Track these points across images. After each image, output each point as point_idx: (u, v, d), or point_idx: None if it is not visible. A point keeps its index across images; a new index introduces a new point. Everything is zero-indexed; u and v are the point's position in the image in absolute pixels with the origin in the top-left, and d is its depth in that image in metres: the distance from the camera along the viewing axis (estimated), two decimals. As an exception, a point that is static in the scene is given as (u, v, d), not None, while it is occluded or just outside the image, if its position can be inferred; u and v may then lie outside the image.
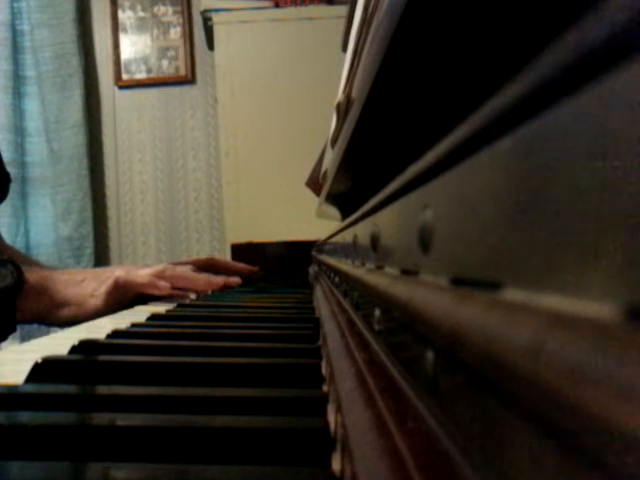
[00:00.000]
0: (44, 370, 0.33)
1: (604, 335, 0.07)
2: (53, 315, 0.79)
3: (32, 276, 0.77)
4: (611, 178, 0.08)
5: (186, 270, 0.90)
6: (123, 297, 0.82)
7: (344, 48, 0.82)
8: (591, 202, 0.08)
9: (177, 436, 0.23)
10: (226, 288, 0.95)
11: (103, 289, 0.81)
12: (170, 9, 2.26)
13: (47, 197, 2.22)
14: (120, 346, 0.43)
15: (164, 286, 0.83)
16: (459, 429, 0.14)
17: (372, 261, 0.30)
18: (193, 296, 0.87)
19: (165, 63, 2.27)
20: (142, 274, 0.84)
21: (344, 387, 0.23)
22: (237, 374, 0.34)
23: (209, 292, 0.91)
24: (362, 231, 0.35)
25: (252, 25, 1.86)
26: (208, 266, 1.02)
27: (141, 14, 2.27)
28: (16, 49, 2.20)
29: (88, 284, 0.82)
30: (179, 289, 0.87)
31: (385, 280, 0.24)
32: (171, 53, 2.27)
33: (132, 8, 2.27)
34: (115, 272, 0.83)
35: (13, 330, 0.76)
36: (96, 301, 0.80)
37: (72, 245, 2.17)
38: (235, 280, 0.99)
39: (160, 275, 0.85)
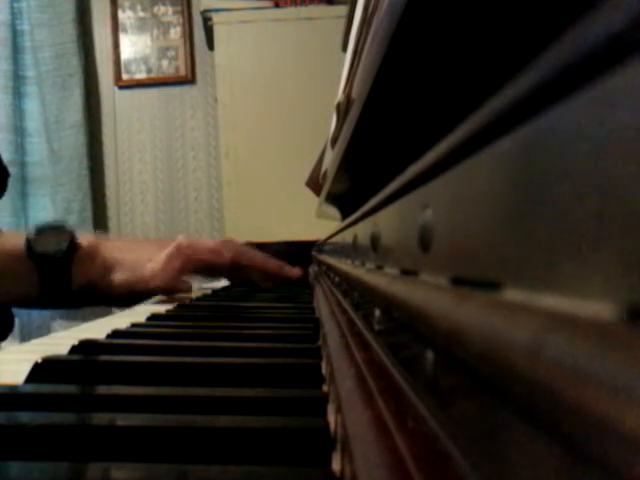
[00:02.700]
0: (44, 370, 0.33)
1: (604, 335, 0.07)
2: (106, 280, 0.76)
3: (86, 240, 0.75)
4: (611, 178, 0.08)
5: (244, 246, 0.88)
6: (184, 264, 0.79)
7: (344, 48, 0.82)
8: (591, 202, 0.08)
9: (177, 436, 0.23)
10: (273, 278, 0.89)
11: (164, 253, 0.78)
12: (170, 9, 2.27)
13: (47, 197, 2.22)
14: (120, 346, 0.43)
15: (228, 256, 0.82)
16: (459, 429, 0.14)
17: (372, 261, 0.30)
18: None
19: (165, 63, 2.27)
20: (205, 241, 0.82)
21: (344, 387, 0.23)
22: (237, 374, 0.34)
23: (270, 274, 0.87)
24: (362, 231, 0.35)
25: (252, 25, 1.86)
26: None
27: (141, 14, 2.27)
28: (16, 49, 2.20)
29: (145, 250, 0.79)
30: (239, 269, 0.85)
31: (385, 280, 0.24)
32: (171, 53, 2.27)
33: (132, 8, 2.27)
34: (177, 239, 0.81)
35: (68, 296, 0.74)
36: (154, 265, 0.77)
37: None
38: (295, 271, 0.92)
39: (222, 244, 0.83)
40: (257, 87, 1.86)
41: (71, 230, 0.73)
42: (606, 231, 0.08)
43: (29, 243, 0.71)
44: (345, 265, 0.45)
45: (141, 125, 2.29)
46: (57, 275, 0.72)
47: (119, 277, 0.76)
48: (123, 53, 2.28)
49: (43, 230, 0.72)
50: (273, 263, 0.89)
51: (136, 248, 0.80)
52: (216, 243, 0.83)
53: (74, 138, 2.19)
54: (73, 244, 0.72)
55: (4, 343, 0.93)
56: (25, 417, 0.25)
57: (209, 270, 0.83)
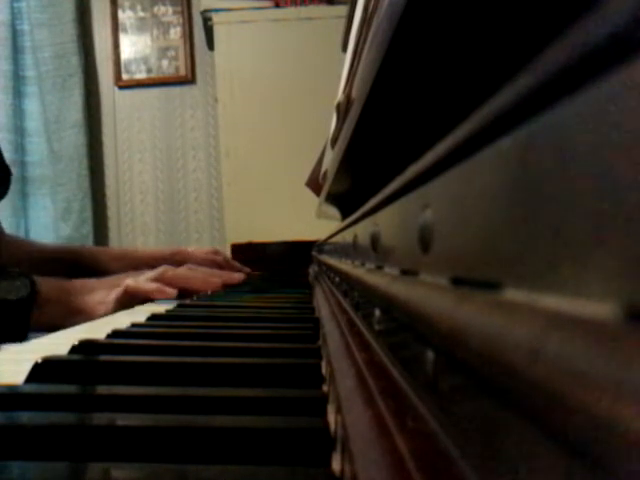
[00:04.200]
0: (44, 370, 0.33)
1: (604, 335, 0.07)
2: (67, 323, 0.80)
3: (45, 287, 0.79)
4: (611, 178, 0.08)
5: (184, 270, 0.93)
6: (131, 304, 0.84)
7: (344, 48, 0.82)
8: (591, 202, 0.08)
9: (177, 436, 0.23)
10: (226, 286, 0.98)
11: (112, 297, 0.84)
12: (170, 9, 2.26)
13: (47, 197, 2.22)
14: (120, 346, 0.43)
15: (171, 292, 0.87)
16: (459, 429, 0.14)
17: (372, 261, 0.30)
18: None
19: (165, 63, 2.27)
20: (149, 281, 0.87)
21: (344, 387, 0.23)
22: (237, 374, 0.34)
23: (208, 292, 0.93)
24: (362, 231, 0.35)
25: (252, 25, 1.86)
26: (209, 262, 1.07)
27: (141, 14, 2.27)
28: (16, 49, 2.20)
29: (98, 292, 0.85)
30: (183, 290, 0.90)
31: (385, 280, 0.24)
32: (171, 53, 2.27)
33: (132, 8, 2.27)
34: (124, 281, 0.86)
35: (25, 339, 0.78)
36: (105, 308, 0.83)
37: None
38: (234, 277, 1.02)
39: (161, 279, 0.88)
40: (257, 87, 1.86)
41: (31, 278, 0.77)
42: (606, 231, 0.08)
43: None
44: (345, 265, 0.45)
45: (141, 125, 2.29)
46: (14, 320, 0.76)
47: (78, 321, 0.82)
48: (123, 53, 2.28)
49: (3, 276, 0.76)
50: (215, 283, 0.96)
51: (90, 290, 0.86)
52: (160, 277, 0.88)
53: (74, 138, 2.19)
54: (33, 291, 0.76)
55: (4, 344, 0.94)
56: (25, 417, 0.25)
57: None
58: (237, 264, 1.26)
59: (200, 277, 0.94)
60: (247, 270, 1.25)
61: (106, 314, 0.82)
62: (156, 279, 0.88)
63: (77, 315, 0.82)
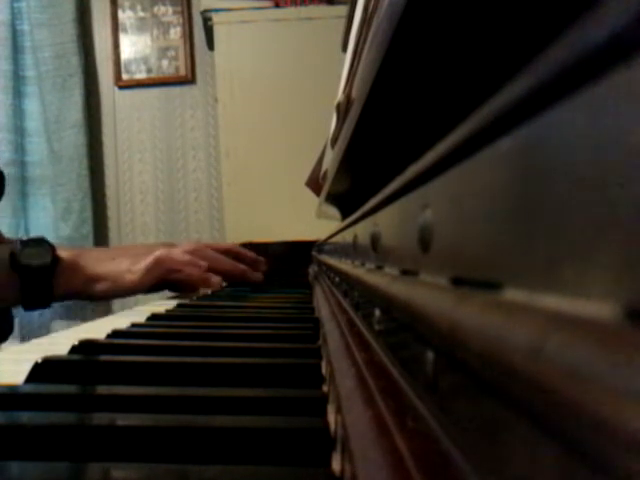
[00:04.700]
0: (44, 370, 0.33)
1: (604, 335, 0.07)
2: (87, 290, 0.80)
3: (64, 253, 0.78)
4: (611, 178, 0.08)
5: (214, 252, 0.92)
6: (161, 275, 0.83)
7: (344, 48, 0.82)
8: (591, 202, 0.08)
9: (177, 436, 0.23)
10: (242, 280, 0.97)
11: (142, 265, 0.81)
12: (170, 9, 2.26)
13: (47, 197, 2.22)
14: (120, 346, 0.43)
15: (204, 265, 0.85)
16: (459, 429, 0.14)
17: (372, 261, 0.30)
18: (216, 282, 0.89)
19: (165, 63, 2.27)
20: (182, 253, 0.85)
21: (344, 387, 0.23)
22: (237, 374, 0.34)
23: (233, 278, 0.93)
24: (362, 231, 0.35)
25: (252, 25, 1.86)
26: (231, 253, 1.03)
27: (141, 14, 2.27)
28: (16, 49, 2.20)
29: (122, 260, 0.83)
30: (212, 270, 0.88)
31: (385, 280, 0.24)
32: (171, 53, 2.27)
33: (132, 8, 2.27)
34: (155, 250, 0.84)
35: (48, 306, 0.77)
36: (133, 277, 0.81)
37: (72, 245, 2.16)
38: (256, 276, 0.99)
39: (194, 253, 0.86)
40: (257, 87, 1.86)
41: (52, 244, 0.76)
42: (606, 231, 0.08)
43: (14, 256, 0.73)
44: (345, 265, 0.45)
45: (141, 125, 2.29)
46: (39, 287, 0.75)
47: (100, 288, 0.80)
48: (123, 53, 2.28)
49: (27, 243, 0.75)
50: (239, 270, 0.96)
51: (111, 257, 0.83)
52: (191, 253, 0.86)
53: (74, 138, 2.19)
54: (55, 257, 0.75)
55: (4, 344, 0.94)
56: (25, 417, 0.25)
57: (183, 282, 0.87)
58: (258, 258, 1.08)
59: (230, 261, 0.93)
60: (262, 261, 1.08)
61: (132, 283, 0.80)
62: (189, 252, 0.85)
63: (100, 282, 0.80)
